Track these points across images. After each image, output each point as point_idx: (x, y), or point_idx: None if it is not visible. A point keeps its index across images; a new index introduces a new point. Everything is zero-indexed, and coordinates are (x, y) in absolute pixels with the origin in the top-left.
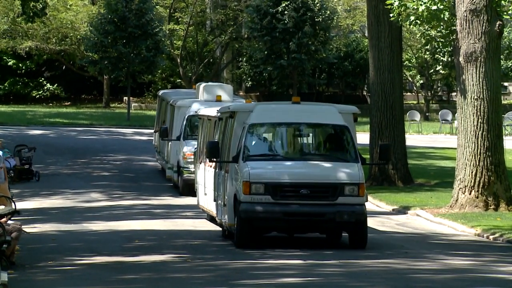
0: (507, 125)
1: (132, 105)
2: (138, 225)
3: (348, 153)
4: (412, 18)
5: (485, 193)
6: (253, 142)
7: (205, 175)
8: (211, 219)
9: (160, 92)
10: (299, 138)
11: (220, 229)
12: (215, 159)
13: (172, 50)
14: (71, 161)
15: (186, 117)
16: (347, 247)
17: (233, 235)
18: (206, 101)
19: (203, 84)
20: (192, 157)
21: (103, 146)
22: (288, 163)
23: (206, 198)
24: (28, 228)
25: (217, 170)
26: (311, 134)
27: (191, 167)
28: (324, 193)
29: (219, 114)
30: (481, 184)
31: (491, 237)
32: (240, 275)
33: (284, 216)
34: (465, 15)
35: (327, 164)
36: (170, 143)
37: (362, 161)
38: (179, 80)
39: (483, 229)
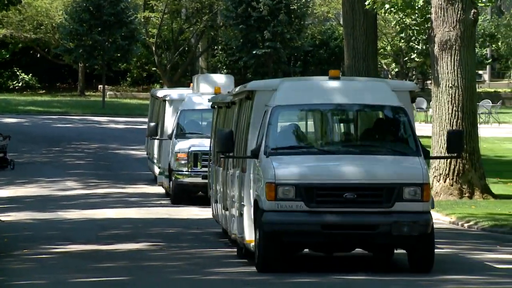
0: (481, 113)
1: (107, 93)
2: (114, 214)
3: (406, 143)
4: (387, 6)
5: (459, 181)
6: (279, 131)
7: (219, 178)
8: (226, 232)
9: (152, 91)
10: (340, 125)
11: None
12: (228, 154)
13: (147, 38)
14: (46, 150)
15: (179, 112)
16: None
17: (252, 254)
18: (203, 94)
19: (199, 75)
20: (186, 158)
21: (78, 134)
22: (327, 158)
23: (218, 206)
24: (2, 217)
25: (229, 169)
26: (356, 119)
27: (185, 170)
28: (376, 197)
29: (231, 97)
30: (456, 172)
31: (465, 225)
32: (215, 263)
33: (323, 228)
34: (440, 3)
35: (379, 159)
36: (160, 143)
37: (425, 154)
38: (154, 68)
39: (457, 217)
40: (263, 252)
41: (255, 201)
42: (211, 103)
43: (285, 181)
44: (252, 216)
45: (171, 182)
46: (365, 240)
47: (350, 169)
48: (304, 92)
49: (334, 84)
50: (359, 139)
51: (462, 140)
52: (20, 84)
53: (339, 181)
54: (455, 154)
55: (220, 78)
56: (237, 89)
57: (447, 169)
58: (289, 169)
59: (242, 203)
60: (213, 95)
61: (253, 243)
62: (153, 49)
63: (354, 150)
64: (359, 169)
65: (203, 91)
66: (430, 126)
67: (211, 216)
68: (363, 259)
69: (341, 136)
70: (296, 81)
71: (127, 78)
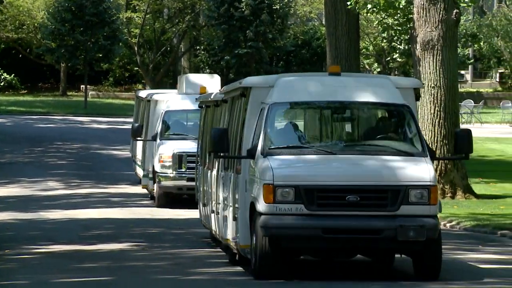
0: (464, 113)
1: (89, 93)
2: (96, 214)
3: (411, 143)
4: (369, 6)
5: (442, 181)
6: (277, 130)
7: (209, 180)
8: (214, 237)
9: (137, 92)
10: (341, 124)
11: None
12: (223, 153)
13: (130, 38)
14: (28, 150)
15: (163, 113)
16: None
17: (247, 260)
18: (188, 94)
19: (184, 75)
20: (170, 160)
21: (60, 134)
22: (328, 158)
23: (206, 209)
24: None
25: (221, 170)
26: (358, 118)
27: (169, 172)
28: (381, 200)
29: (223, 95)
30: (438, 172)
31: (448, 225)
32: (197, 263)
33: (324, 233)
34: (422, 3)
35: (383, 160)
36: (144, 145)
37: (431, 155)
38: (137, 68)
39: (440, 217)
40: (260, 258)
41: (251, 204)
42: (197, 103)
43: (284, 183)
44: (248, 220)
45: (155, 184)
46: (368, 246)
47: (353, 170)
48: (303, 89)
49: (335, 80)
50: (362, 139)
51: (471, 140)
52: (2, 84)
53: (341, 183)
54: (464, 155)
55: (206, 78)
56: (224, 88)
57: None
58: (288, 169)
59: (236, 206)
60: (199, 95)
61: (248, 249)
62: (135, 49)
63: (357, 150)
64: (362, 170)
65: (188, 92)
66: None
67: (193, 217)
68: (358, 263)
69: (343, 136)
70: (294, 77)
71: (109, 78)
